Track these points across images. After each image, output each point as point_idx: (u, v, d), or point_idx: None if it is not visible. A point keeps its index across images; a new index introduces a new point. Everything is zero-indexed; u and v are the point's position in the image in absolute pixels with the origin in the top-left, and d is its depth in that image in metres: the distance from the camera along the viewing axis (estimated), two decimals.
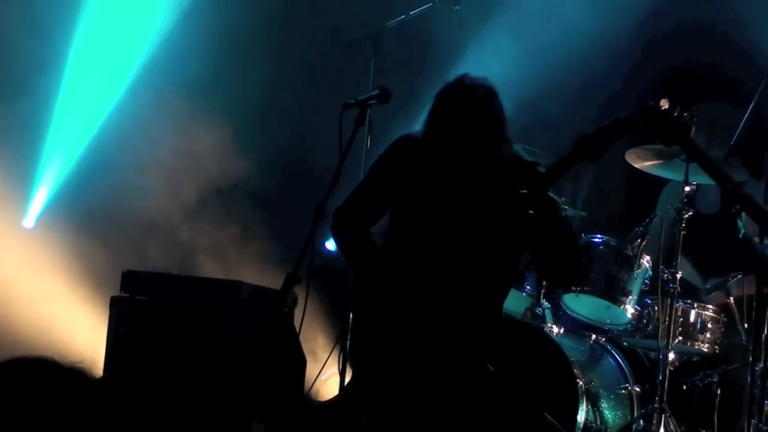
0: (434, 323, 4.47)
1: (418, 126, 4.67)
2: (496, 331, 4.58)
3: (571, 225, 4.67)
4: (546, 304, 6.45)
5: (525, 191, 4.23)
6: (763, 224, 4.82)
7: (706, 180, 6.09)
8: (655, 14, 7.20)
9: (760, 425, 5.23)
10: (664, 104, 4.55)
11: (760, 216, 4.58)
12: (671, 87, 6.84)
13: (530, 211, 4.24)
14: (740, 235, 5.07)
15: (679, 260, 6.35)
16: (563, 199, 6.57)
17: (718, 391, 6.16)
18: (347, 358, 4.78)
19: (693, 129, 4.56)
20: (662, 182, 6.72)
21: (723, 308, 6.38)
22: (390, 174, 4.63)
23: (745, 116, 5.79)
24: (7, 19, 7.02)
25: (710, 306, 6.32)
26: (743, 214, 4.94)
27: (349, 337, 4.72)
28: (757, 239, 5.47)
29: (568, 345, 6.26)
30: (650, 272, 6.31)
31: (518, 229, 4.37)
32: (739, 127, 5.90)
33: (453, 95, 4.44)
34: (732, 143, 5.94)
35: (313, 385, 5.88)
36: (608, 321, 6.44)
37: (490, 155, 4.43)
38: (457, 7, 6.68)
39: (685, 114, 4.53)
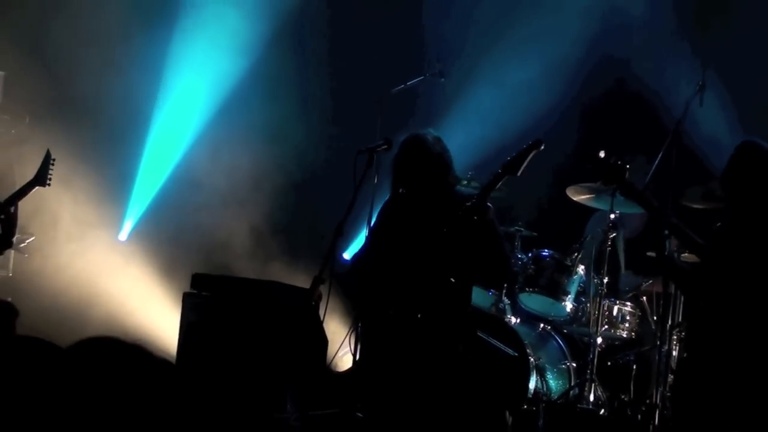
0: (407, 314, 4.99)
1: None
2: (461, 318, 5.03)
3: (500, 231, 5.02)
4: (506, 300, 7.08)
5: (470, 203, 4.75)
6: (685, 244, 5.28)
7: (628, 210, 6.82)
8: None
9: (665, 392, 5.64)
10: (602, 154, 5.07)
11: (684, 239, 5.10)
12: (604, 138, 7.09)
13: (474, 217, 4.72)
14: (665, 252, 5.22)
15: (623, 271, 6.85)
16: (519, 222, 7.26)
17: (634, 367, 6.77)
18: (357, 340, 5.04)
19: (627, 172, 5.03)
20: (590, 211, 7.33)
21: (638, 304, 6.93)
22: (380, 222, 5.18)
23: (654, 166, 6.15)
24: (119, 79, 7.63)
25: (628, 303, 6.90)
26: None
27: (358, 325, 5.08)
28: (676, 254, 5.90)
29: (523, 331, 6.84)
30: (584, 278, 6.90)
31: (457, 241, 4.80)
32: (650, 174, 6.16)
33: (404, 147, 4.99)
34: (645, 184, 6.08)
35: (332, 359, 6.32)
36: (552, 314, 7.04)
37: (436, 188, 4.94)
38: (443, 79, 7.50)
39: (619, 162, 5.07)
